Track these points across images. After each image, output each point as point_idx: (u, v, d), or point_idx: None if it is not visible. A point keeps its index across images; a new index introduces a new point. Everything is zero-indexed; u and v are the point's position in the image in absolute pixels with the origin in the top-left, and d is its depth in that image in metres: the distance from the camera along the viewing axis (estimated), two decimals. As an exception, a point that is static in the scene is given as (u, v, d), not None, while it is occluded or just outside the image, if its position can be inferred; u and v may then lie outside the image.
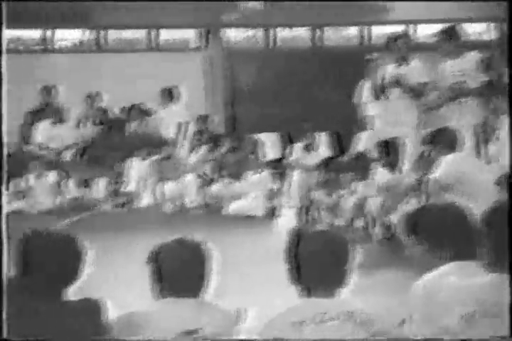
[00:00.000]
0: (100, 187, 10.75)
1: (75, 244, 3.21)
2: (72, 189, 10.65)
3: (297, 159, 10.60)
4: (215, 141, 11.11)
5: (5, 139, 3.02)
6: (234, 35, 13.97)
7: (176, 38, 13.80)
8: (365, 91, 8.95)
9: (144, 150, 10.91)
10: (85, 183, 10.73)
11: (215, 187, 10.31)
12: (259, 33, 13.94)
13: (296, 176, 9.94)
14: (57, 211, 10.17)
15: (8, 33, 13.08)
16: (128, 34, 13.72)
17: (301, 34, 13.90)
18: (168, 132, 11.57)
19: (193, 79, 12.69)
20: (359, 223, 8.11)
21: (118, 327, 3.19)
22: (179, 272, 3.25)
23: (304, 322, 3.01)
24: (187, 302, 3.23)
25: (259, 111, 13.52)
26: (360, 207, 8.08)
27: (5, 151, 3.07)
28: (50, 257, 3.16)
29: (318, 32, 13.81)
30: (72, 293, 3.19)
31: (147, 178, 10.72)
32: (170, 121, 11.58)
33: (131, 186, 10.79)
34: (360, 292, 3.17)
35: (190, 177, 10.37)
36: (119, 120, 11.78)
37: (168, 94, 11.62)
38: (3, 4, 3.03)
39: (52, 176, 10.72)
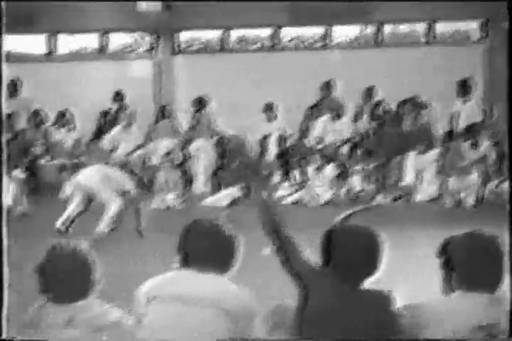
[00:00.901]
0: (376, 180, 10.85)
1: (373, 238, 3.31)
2: (349, 182, 10.83)
3: None
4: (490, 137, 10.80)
5: (4, 139, 3.16)
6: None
7: (454, 31, 13.54)
8: None
9: (422, 144, 10.85)
10: (360, 176, 10.87)
11: (495, 183, 10.03)
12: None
13: None
14: (335, 203, 10.36)
15: (293, 31, 13.56)
16: (405, 28, 13.68)
17: None
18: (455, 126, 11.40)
19: (471, 72, 12.38)
20: None
21: (407, 318, 3.24)
22: (471, 266, 3.23)
23: None
24: (480, 297, 3.21)
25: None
26: None
27: (4, 151, 3.20)
28: (351, 249, 3.29)
29: None
30: (369, 283, 3.30)
31: (425, 172, 10.66)
32: (465, 115, 11.38)
33: (408, 180, 10.79)
34: None
35: (473, 173, 10.14)
36: (395, 114, 11.81)
37: (463, 86, 11.45)
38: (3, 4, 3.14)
39: (330, 169, 10.98)
